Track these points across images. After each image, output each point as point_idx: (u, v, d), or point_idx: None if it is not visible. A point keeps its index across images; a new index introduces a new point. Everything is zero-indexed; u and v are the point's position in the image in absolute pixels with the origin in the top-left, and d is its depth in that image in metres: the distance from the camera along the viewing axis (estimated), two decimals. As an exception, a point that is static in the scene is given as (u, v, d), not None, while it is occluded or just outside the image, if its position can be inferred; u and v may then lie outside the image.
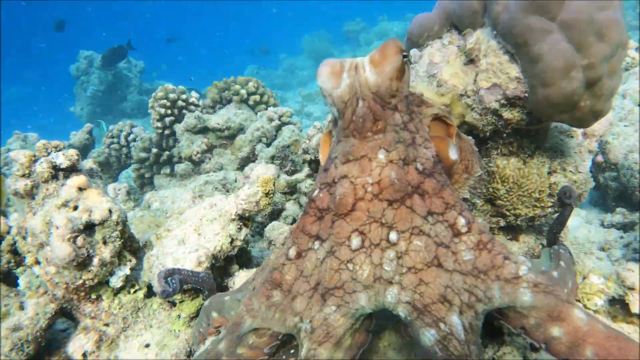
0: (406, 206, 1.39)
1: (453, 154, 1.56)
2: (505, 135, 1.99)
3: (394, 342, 1.86)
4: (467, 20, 1.96)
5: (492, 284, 1.38)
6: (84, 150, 6.72)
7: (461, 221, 1.42)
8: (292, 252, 1.53)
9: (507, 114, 1.85)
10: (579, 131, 2.27)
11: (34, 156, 2.24)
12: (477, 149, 1.77)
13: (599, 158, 4.62)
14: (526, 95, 1.77)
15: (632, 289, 1.85)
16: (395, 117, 1.39)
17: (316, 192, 1.50)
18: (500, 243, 1.46)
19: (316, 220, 1.49)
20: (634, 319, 1.92)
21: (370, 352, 1.83)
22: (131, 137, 6.42)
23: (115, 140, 6.42)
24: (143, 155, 5.80)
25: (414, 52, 2.17)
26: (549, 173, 2.05)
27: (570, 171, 2.07)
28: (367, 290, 1.39)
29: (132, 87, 15.21)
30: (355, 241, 1.39)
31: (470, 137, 1.77)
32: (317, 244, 1.48)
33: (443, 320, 1.33)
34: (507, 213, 2.11)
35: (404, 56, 1.36)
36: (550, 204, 2.07)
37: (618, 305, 1.95)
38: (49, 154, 2.27)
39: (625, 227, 4.12)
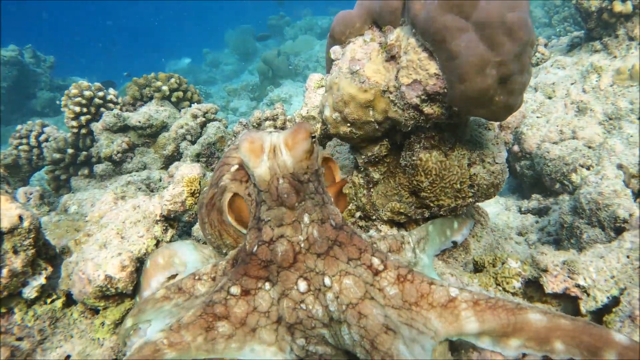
0: (330, 256, 1.66)
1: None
2: (426, 129, 2.05)
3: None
4: (387, 18, 2.00)
5: (427, 313, 1.55)
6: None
7: (375, 261, 1.69)
8: (236, 290, 1.69)
9: (427, 109, 1.91)
10: (495, 124, 2.39)
11: None
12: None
13: (515, 148, 4.91)
14: (445, 90, 1.83)
15: (545, 270, 1.98)
16: (310, 187, 1.68)
17: (255, 248, 1.70)
18: (419, 272, 1.70)
19: (262, 268, 1.69)
20: (547, 299, 2.06)
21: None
22: (42, 137, 5.99)
23: (24, 141, 5.98)
24: (57, 156, 5.45)
25: (336, 49, 2.18)
26: (469, 165, 2.15)
27: (489, 162, 2.17)
28: (328, 329, 1.61)
29: (42, 83, 14.25)
30: (302, 285, 1.64)
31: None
32: (267, 285, 1.69)
33: (389, 353, 1.47)
34: (431, 204, 2.18)
35: (312, 137, 1.63)
36: (470, 194, 2.17)
37: (533, 287, 2.08)
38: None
39: (540, 212, 4.42)
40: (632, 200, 3.08)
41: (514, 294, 2.04)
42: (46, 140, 5.88)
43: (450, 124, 2.03)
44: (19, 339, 2.18)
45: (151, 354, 1.63)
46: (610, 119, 4.43)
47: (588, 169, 4.13)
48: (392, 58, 1.99)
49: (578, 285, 1.92)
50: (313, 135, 1.64)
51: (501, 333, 1.52)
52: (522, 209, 4.52)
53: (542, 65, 5.30)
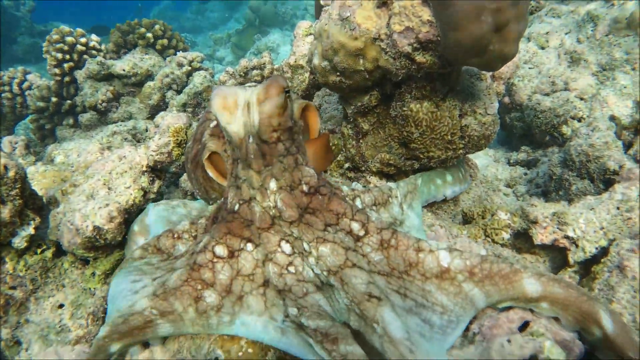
0: (303, 223, 1.59)
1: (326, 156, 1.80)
2: (418, 79, 2.01)
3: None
4: (381, -40, 1.92)
5: (424, 285, 1.51)
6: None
7: (355, 226, 1.61)
8: (222, 251, 1.61)
9: (420, 57, 1.86)
10: (487, 74, 2.35)
11: None
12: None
13: (506, 99, 4.86)
14: (438, 38, 1.78)
15: (535, 222, 2.00)
16: (279, 148, 1.57)
17: (237, 206, 1.63)
18: (404, 235, 1.60)
19: (245, 227, 1.61)
20: (536, 250, 2.09)
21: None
22: (25, 84, 5.83)
23: (6, 88, 5.82)
24: (41, 104, 5.32)
25: (327, -7, 2.10)
26: (460, 116, 2.12)
27: (480, 113, 2.15)
28: (322, 292, 1.51)
29: (22, 28, 13.75)
30: (287, 247, 1.57)
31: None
32: (249, 245, 1.60)
33: (375, 320, 1.40)
34: (421, 156, 2.17)
35: (286, 91, 1.52)
36: (461, 146, 2.15)
37: (522, 239, 2.10)
38: None
39: (529, 164, 4.43)
40: (622, 152, 3.08)
41: (502, 245, 2.06)
42: (29, 88, 5.73)
43: (442, 73, 1.99)
44: (12, 287, 2.19)
45: (142, 324, 1.59)
46: (604, 69, 4.38)
47: (579, 120, 4.12)
48: (384, 4, 1.92)
49: (567, 237, 1.95)
50: (287, 89, 1.53)
51: (499, 301, 1.52)
52: (511, 161, 4.53)
53: (537, 14, 5.18)
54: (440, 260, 1.55)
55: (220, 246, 1.61)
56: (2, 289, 2.19)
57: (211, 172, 1.81)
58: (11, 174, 2.04)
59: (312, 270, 1.55)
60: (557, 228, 1.94)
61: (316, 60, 2.11)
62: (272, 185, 1.58)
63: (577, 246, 1.92)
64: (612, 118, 3.78)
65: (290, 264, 1.55)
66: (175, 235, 1.86)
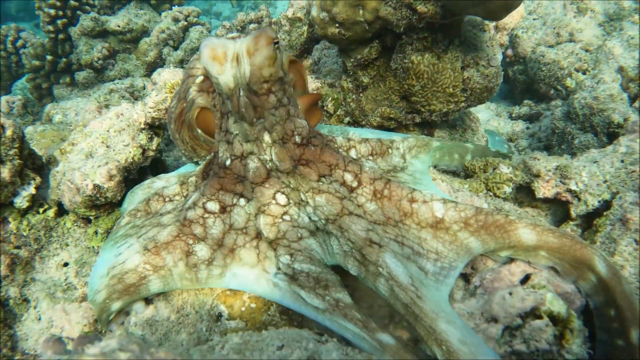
0: (298, 174, 1.59)
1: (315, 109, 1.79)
2: (419, 30, 1.95)
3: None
4: None
5: (419, 233, 1.53)
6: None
7: (348, 177, 1.61)
8: (214, 206, 1.61)
9: (421, 7, 1.80)
10: (490, 25, 2.29)
11: None
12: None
13: (509, 52, 4.76)
14: (441, -14, 1.72)
15: (537, 176, 1.98)
16: (270, 99, 1.53)
17: (228, 161, 1.62)
18: (397, 185, 1.60)
19: (238, 182, 1.61)
20: (538, 204, 2.09)
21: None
22: (19, 42, 5.71)
23: (0, 47, 5.71)
24: (36, 63, 5.23)
25: (326, -61, 2.02)
26: (462, 68, 2.07)
27: (483, 65, 2.10)
28: (315, 237, 1.54)
29: (14, -16, 13.39)
30: (282, 198, 1.57)
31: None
32: (242, 201, 1.60)
33: (378, 264, 1.41)
34: (422, 109, 2.14)
35: (275, 43, 1.47)
36: (463, 99, 2.12)
37: (524, 192, 2.09)
38: None
39: (531, 118, 4.39)
40: (628, 104, 3.04)
41: (504, 199, 2.05)
42: (23, 46, 5.61)
43: (444, 24, 1.93)
44: (17, 247, 2.21)
45: (137, 281, 1.60)
46: (612, 19, 4.27)
47: (584, 73, 4.04)
48: (385, -50, 1.84)
49: (569, 190, 1.94)
50: (276, 41, 1.48)
51: (496, 250, 1.54)
52: (513, 115, 4.48)
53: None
54: (434, 211, 1.57)
55: (212, 202, 1.61)
56: (7, 248, 2.21)
57: (201, 128, 1.76)
58: (9, 133, 2.02)
59: (309, 217, 1.56)
60: (560, 181, 1.93)
61: (314, 12, 2.05)
62: (266, 138, 1.56)
63: (579, 199, 1.91)
64: (620, 69, 3.70)
65: (285, 213, 1.55)
66: (167, 199, 1.85)
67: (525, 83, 4.68)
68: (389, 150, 1.90)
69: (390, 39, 2.09)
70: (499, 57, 2.18)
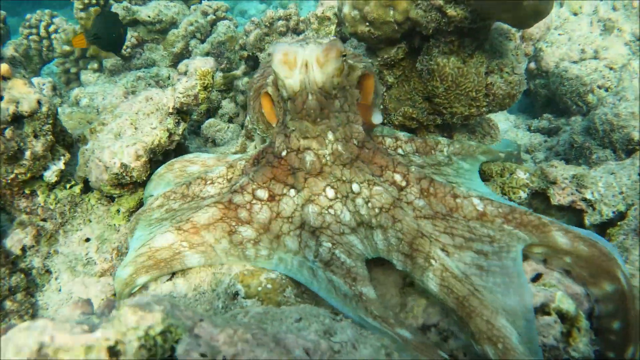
0: (355, 167, 1.70)
1: (376, 119, 1.89)
2: (447, 33, 2.00)
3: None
4: None
5: (468, 222, 1.60)
6: (-2, 41, 6.12)
7: (397, 177, 1.74)
8: (263, 194, 1.73)
9: (451, 11, 1.85)
10: (517, 35, 2.32)
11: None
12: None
13: (532, 65, 4.78)
14: (471, -9, 1.77)
15: (554, 183, 2.01)
16: (335, 104, 1.67)
17: (284, 152, 1.73)
18: (439, 183, 1.72)
19: (289, 174, 1.72)
20: (552, 211, 2.11)
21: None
22: (52, 28, 5.86)
23: (33, 31, 5.86)
24: (67, 48, 5.36)
25: (362, -60, 2.07)
26: (487, 73, 2.11)
27: (507, 72, 2.14)
28: (356, 234, 1.62)
29: (48, -29, 13.65)
30: (331, 192, 1.67)
31: (368, 60, 1.99)
32: (292, 191, 1.71)
33: (431, 255, 1.49)
34: (444, 111, 2.18)
35: (343, 56, 1.60)
36: (485, 104, 2.16)
37: (539, 199, 2.12)
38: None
39: (550, 132, 4.39)
40: (648, 123, 3.04)
41: (519, 204, 2.08)
42: (55, 31, 5.76)
43: (471, 29, 1.97)
44: (44, 219, 2.29)
45: (170, 257, 1.68)
46: (639, 39, 4.27)
47: (606, 90, 4.05)
48: (418, -46, 1.89)
49: (585, 199, 1.96)
50: (344, 54, 1.61)
51: (536, 245, 1.57)
52: (532, 128, 4.49)
53: (572, -23, 5.01)
54: (475, 205, 1.65)
55: (262, 190, 1.72)
56: (34, 220, 2.30)
57: (264, 108, 1.88)
58: (44, 109, 2.11)
59: (356, 212, 1.65)
60: (576, 190, 1.96)
61: (346, 9, 2.10)
62: (330, 136, 1.68)
63: (594, 209, 1.94)
64: (642, 88, 3.70)
65: (331, 207, 1.65)
66: (208, 181, 1.92)
67: (546, 97, 4.69)
68: (432, 151, 2.02)
69: (418, 41, 2.14)
70: (524, 66, 2.21)
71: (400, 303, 1.58)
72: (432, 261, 1.48)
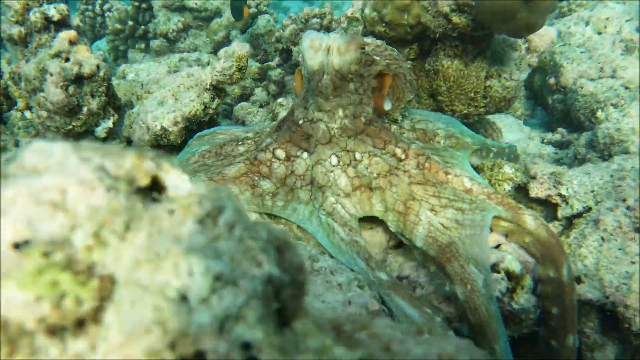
0: (359, 139, 1.97)
1: (387, 105, 2.13)
2: (452, 38, 2.28)
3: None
4: None
5: (455, 191, 1.88)
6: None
7: (398, 151, 1.99)
8: (281, 154, 2.03)
9: (455, 18, 2.13)
10: (523, 46, 2.58)
11: (27, 4, 2.41)
12: (412, 77, 2.21)
13: (552, 80, 4.97)
14: (473, 3, 2.05)
15: (533, 177, 2.27)
16: (349, 86, 1.92)
17: (301, 120, 2.01)
18: (435, 160, 1.99)
19: (304, 139, 2.00)
20: (533, 204, 2.37)
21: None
22: (106, 6, 6.33)
23: (90, 7, 6.34)
24: (118, 26, 5.80)
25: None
26: (486, 77, 2.38)
27: (505, 78, 2.41)
28: (351, 197, 1.92)
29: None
30: (334, 159, 1.95)
31: (408, 64, 2.21)
32: (305, 154, 2.00)
33: (420, 213, 1.79)
34: (446, 108, 2.46)
35: (363, 49, 1.85)
36: (482, 105, 2.43)
37: (522, 192, 2.38)
38: (41, 4, 2.44)
39: (561, 145, 4.58)
40: (648, 140, 3.25)
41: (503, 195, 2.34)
42: (109, 10, 6.21)
43: (474, 36, 2.25)
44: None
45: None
46: (655, 63, 4.43)
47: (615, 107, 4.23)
48: (433, -34, 2.18)
49: (560, 194, 2.21)
50: (363, 47, 1.88)
51: (506, 219, 1.85)
52: (545, 140, 4.69)
53: (601, -2, 5.19)
54: (464, 182, 1.94)
55: (281, 150, 2.02)
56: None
57: (296, 82, 2.19)
58: (102, 73, 2.47)
59: (348, 178, 1.95)
60: (553, 185, 2.21)
61: (367, 10, 2.40)
62: (340, 111, 1.96)
63: (567, 203, 2.18)
64: (650, 110, 3.88)
65: (332, 172, 1.95)
66: (239, 142, 2.24)
67: (562, 112, 4.87)
68: (431, 141, 2.29)
69: (428, 43, 2.42)
70: (524, 75, 2.47)
71: (382, 259, 1.87)
72: (422, 217, 1.78)
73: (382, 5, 2.30)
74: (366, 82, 2.01)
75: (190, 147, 2.54)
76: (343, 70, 1.86)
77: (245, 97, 4.78)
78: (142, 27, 5.79)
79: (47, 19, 2.38)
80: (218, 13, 5.82)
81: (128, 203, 0.47)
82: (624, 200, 1.98)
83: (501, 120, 3.84)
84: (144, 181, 0.51)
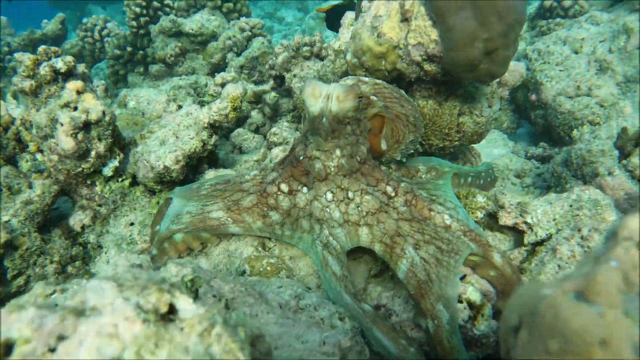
0: (354, 178, 2.19)
1: (383, 145, 2.32)
2: (426, 82, 2.51)
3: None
4: (408, -16, 2.40)
5: (436, 228, 2.13)
6: (57, 40, 6.87)
7: (389, 189, 2.23)
8: (285, 188, 2.26)
9: (427, 66, 2.37)
10: (494, 82, 2.81)
11: (37, 60, 2.64)
12: (418, 116, 2.41)
13: (533, 97, 5.22)
14: (441, 54, 2.28)
15: (502, 207, 2.50)
16: (347, 129, 2.12)
17: (301, 157, 2.22)
18: (421, 197, 2.23)
19: (304, 174, 2.22)
20: (504, 230, 2.60)
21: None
22: (105, 32, 6.58)
23: (89, 34, 6.58)
24: (117, 52, 6.04)
25: (365, 3, 2.60)
26: (459, 114, 2.62)
27: (476, 114, 2.64)
28: (342, 228, 2.17)
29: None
30: (329, 196, 2.17)
31: (412, 103, 2.41)
32: (305, 189, 2.22)
33: (405, 248, 2.02)
34: (423, 142, 2.69)
35: (359, 98, 2.05)
36: (457, 139, 2.66)
37: (493, 220, 2.61)
38: (49, 58, 2.67)
39: (543, 160, 4.83)
40: (616, 160, 3.49)
41: (477, 222, 2.58)
42: (108, 35, 6.46)
43: (444, 80, 2.48)
44: (99, 205, 2.89)
45: (217, 225, 2.26)
46: (629, 81, 4.68)
47: (594, 126, 4.47)
48: (405, 20, 2.42)
49: (525, 222, 2.45)
50: (360, 96, 2.08)
51: (476, 255, 2.08)
52: (528, 155, 4.93)
53: (578, 18, 5.44)
54: (445, 219, 2.18)
55: (284, 184, 2.25)
56: (92, 205, 2.90)
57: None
58: (107, 118, 2.70)
59: (340, 213, 2.17)
60: (519, 214, 2.44)
61: (348, 57, 2.64)
62: (337, 152, 2.14)
63: (532, 230, 2.42)
64: (624, 130, 4.12)
65: (328, 207, 2.18)
66: (242, 182, 2.46)
67: (543, 127, 5.13)
68: (414, 177, 2.53)
69: (405, 85, 2.66)
70: (496, 108, 2.70)
71: (364, 288, 2.11)
72: (407, 251, 2.00)
73: (362, 53, 2.53)
74: (362, 124, 2.22)
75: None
76: (340, 115, 2.06)
77: (242, 119, 5.02)
78: (141, 52, 6.03)
79: (55, 71, 2.61)
80: (214, 36, 6.07)
81: (156, 328, 0.71)
82: (579, 230, 2.21)
83: (487, 135, 4.06)
84: (164, 309, 0.75)
